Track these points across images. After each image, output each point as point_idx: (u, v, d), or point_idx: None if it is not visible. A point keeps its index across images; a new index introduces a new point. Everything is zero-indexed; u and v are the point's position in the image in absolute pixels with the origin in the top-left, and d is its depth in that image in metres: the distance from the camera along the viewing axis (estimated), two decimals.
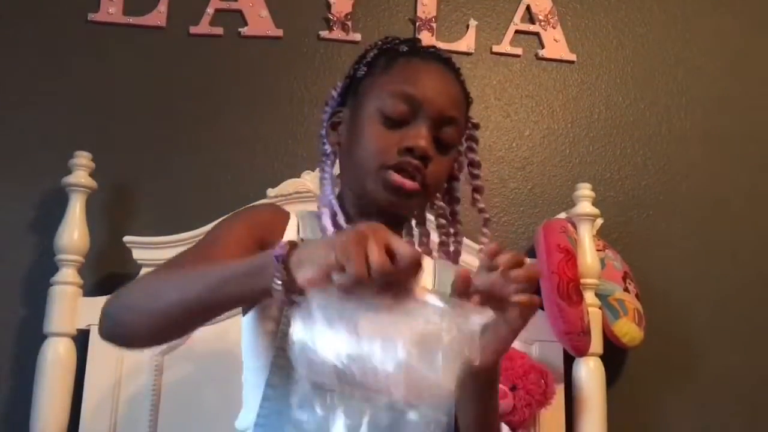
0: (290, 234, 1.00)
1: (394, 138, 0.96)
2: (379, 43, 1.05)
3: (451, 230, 1.10)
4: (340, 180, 1.08)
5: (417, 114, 0.96)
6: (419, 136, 0.95)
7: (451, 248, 1.11)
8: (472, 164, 1.10)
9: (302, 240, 0.87)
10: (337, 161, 1.07)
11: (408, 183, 0.95)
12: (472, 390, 0.88)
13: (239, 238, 0.93)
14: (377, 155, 0.96)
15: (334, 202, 1.01)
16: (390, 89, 0.98)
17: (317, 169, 1.13)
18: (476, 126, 1.12)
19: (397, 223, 1.05)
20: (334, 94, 1.08)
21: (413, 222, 1.14)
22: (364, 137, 0.98)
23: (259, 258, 0.75)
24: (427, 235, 1.15)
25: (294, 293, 0.71)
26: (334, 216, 0.99)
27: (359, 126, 0.99)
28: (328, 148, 1.06)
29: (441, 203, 1.12)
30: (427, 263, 1.07)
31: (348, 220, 1.00)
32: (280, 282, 0.72)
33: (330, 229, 0.97)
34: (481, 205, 1.10)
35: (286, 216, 1.03)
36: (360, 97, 1.02)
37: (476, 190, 1.11)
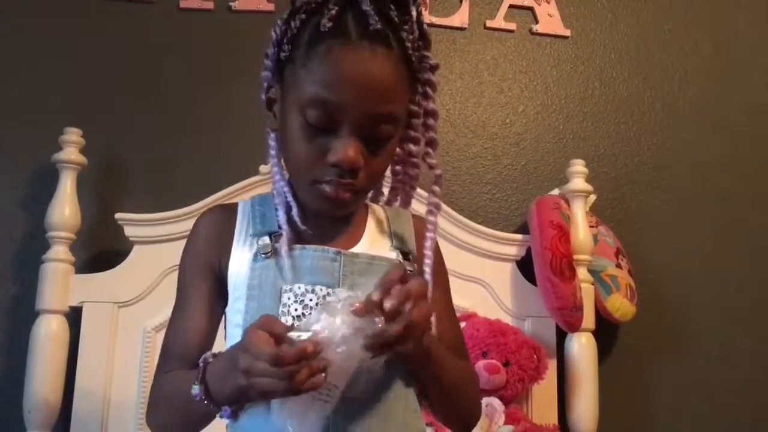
0: (242, 230, 0.96)
1: (320, 148, 0.87)
2: (303, 5, 0.88)
3: (410, 172, 1.00)
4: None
5: (339, 121, 0.85)
6: (345, 149, 0.85)
7: (401, 194, 1.03)
8: (428, 113, 0.96)
9: (214, 357, 0.86)
10: None
11: (341, 195, 0.88)
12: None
13: (198, 291, 0.97)
14: (306, 170, 0.89)
15: (287, 191, 0.94)
16: (307, 92, 0.86)
17: None
18: (434, 68, 0.94)
19: None
20: (268, 64, 0.94)
21: None
22: (291, 144, 0.90)
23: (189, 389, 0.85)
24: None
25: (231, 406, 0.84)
26: (288, 210, 0.94)
27: (286, 124, 0.90)
28: (271, 134, 0.97)
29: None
30: (380, 212, 1.03)
31: (302, 209, 0.94)
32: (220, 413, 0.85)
33: (284, 227, 0.92)
34: (432, 161, 0.97)
35: (232, 215, 0.98)
36: (285, 84, 0.91)
37: (429, 143, 0.97)
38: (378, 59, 0.86)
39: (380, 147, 0.90)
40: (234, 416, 0.85)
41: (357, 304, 0.76)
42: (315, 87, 0.85)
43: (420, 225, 0.99)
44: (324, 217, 0.96)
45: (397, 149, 0.99)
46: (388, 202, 1.06)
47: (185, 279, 0.99)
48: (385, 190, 1.07)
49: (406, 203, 1.04)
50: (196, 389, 0.84)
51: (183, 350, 0.94)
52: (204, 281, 0.97)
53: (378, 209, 1.05)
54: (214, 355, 0.87)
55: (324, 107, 0.85)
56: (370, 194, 1.06)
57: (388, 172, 1.03)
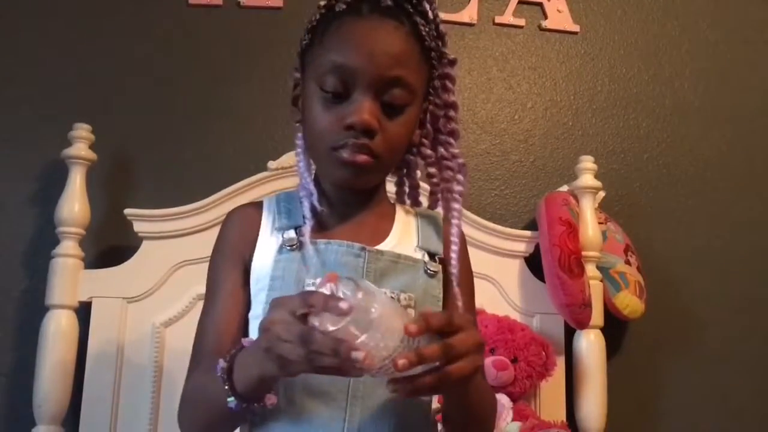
0: (267, 224, 0.98)
1: (337, 116, 0.90)
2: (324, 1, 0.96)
3: (445, 174, 1.02)
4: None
5: (353, 85, 0.90)
6: (359, 110, 0.88)
7: (440, 196, 1.04)
8: (447, 106, 1.00)
9: (242, 349, 0.83)
10: None
11: (359, 157, 0.90)
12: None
13: (228, 283, 0.97)
14: (324, 138, 0.92)
15: (311, 183, 0.96)
16: (323, 63, 0.91)
17: None
18: (452, 63, 0.99)
19: (372, 190, 1.01)
20: (297, 61, 1.01)
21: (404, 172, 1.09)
22: (310, 118, 0.94)
23: (216, 385, 0.82)
24: (412, 186, 1.10)
25: (252, 403, 0.81)
26: (310, 197, 0.95)
27: (306, 105, 0.95)
28: (297, 126, 1.01)
29: (428, 151, 1.03)
30: (409, 211, 1.04)
31: (327, 199, 0.97)
32: (233, 401, 0.81)
33: (308, 215, 0.94)
34: (455, 150, 1.01)
35: (257, 213, 1.00)
36: (305, 70, 0.97)
37: (451, 134, 1.01)
38: (387, 28, 0.92)
39: (396, 113, 0.92)
40: (243, 410, 0.82)
41: (411, 326, 0.71)
42: (329, 55, 0.91)
43: (449, 226, 1.00)
44: (349, 204, 0.98)
45: (429, 151, 1.03)
46: (430, 208, 1.07)
47: (216, 272, 0.99)
48: (423, 199, 1.08)
49: (447, 213, 1.04)
50: (221, 363, 0.82)
51: (216, 344, 0.93)
52: (234, 272, 0.97)
53: (407, 208, 1.06)
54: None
55: (338, 72, 0.90)
56: (404, 196, 1.08)
57: (425, 185, 1.06)
